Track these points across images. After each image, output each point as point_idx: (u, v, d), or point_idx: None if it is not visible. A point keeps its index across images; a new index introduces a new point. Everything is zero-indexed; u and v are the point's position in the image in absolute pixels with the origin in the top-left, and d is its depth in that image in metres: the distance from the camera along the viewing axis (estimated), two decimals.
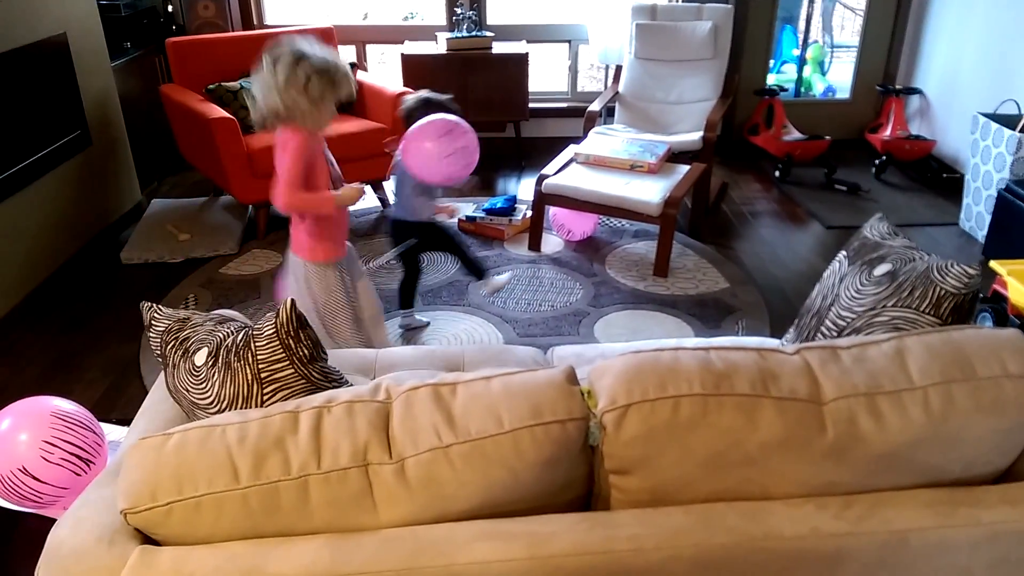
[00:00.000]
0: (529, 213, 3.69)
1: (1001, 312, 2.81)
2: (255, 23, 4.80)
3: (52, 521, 1.14)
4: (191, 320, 1.39)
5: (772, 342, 1.99)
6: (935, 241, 3.77)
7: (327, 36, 4.23)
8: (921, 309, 1.41)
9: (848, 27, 6.69)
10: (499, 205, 3.84)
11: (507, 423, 1.05)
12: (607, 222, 3.86)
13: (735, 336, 2.87)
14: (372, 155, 3.84)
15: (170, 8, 4.59)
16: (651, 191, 3.28)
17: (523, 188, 4.38)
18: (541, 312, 3.10)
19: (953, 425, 1.06)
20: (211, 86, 3.74)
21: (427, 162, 2.37)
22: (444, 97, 2.68)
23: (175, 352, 1.35)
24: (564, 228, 3.66)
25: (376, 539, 1.02)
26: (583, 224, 3.67)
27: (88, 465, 1.75)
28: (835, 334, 1.55)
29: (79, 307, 3.20)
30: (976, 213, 3.73)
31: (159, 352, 1.38)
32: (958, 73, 4.46)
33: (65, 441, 1.73)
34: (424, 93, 2.71)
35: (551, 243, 3.67)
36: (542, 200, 3.50)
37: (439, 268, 3.44)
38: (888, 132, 4.66)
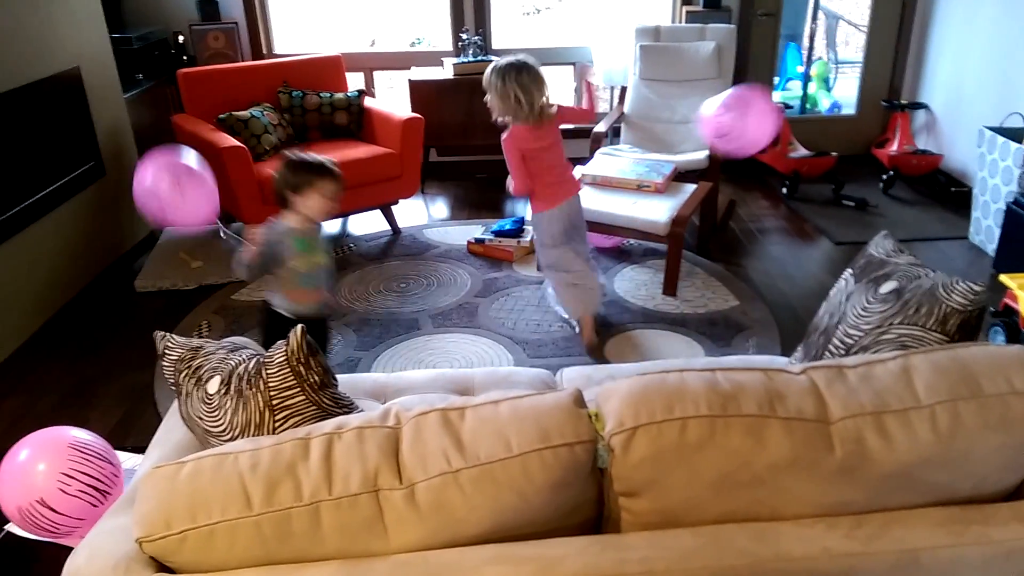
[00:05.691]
0: None
1: (1013, 326, 2.80)
2: (264, 53, 4.88)
3: (70, 550, 1.15)
4: (204, 348, 1.41)
5: (780, 361, 1.99)
6: (945, 255, 3.76)
7: (335, 64, 4.29)
8: (927, 327, 1.41)
9: (852, 43, 6.73)
10: (507, 227, 3.86)
11: (516, 447, 1.05)
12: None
13: (744, 355, 2.86)
14: (380, 180, 3.89)
15: (181, 40, 4.67)
16: (658, 210, 3.30)
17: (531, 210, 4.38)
18: (551, 333, 3.11)
19: (961, 443, 1.06)
20: (222, 116, 3.79)
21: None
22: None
23: (188, 380, 1.37)
24: None
25: (387, 564, 1.03)
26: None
27: (105, 496, 1.76)
28: (843, 352, 1.55)
29: (94, 335, 3.23)
30: (985, 227, 3.72)
31: (173, 381, 1.40)
32: (963, 87, 4.47)
33: (83, 473, 1.74)
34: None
35: None
36: None
37: (449, 291, 3.46)
38: (895, 147, 4.66)
